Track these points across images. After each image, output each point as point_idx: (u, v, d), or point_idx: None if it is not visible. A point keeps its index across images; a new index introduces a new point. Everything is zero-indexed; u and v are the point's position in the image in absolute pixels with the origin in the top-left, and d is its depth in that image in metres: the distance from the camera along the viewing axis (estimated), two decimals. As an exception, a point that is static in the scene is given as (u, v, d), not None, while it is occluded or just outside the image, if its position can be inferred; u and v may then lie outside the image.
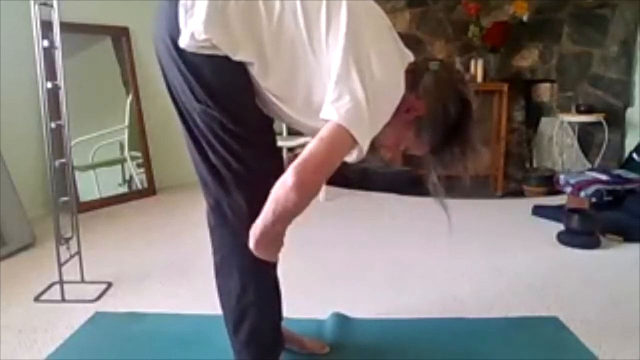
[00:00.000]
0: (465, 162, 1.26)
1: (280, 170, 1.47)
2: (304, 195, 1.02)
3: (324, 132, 1.05)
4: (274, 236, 1.11)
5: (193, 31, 1.11)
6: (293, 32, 1.12)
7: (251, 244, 1.10)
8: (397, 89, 1.15)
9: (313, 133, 1.09)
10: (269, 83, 1.17)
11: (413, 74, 1.19)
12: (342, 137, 1.04)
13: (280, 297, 1.59)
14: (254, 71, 1.16)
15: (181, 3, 1.13)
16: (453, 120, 1.22)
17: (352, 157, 1.12)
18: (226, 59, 1.14)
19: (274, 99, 1.20)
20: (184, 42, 1.13)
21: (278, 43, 1.13)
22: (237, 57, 1.14)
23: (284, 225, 1.10)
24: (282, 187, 1.02)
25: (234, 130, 1.18)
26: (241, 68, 1.17)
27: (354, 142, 1.05)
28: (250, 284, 1.31)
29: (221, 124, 1.18)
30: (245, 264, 1.28)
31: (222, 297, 1.36)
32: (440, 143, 1.24)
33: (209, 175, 1.25)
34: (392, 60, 1.16)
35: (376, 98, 1.06)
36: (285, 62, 1.15)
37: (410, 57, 1.25)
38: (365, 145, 1.07)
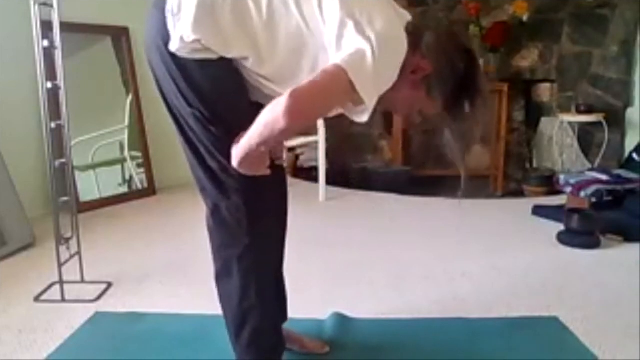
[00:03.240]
0: (476, 114, 1.24)
1: (279, 170, 1.46)
2: (292, 123, 1.02)
3: (320, 72, 1.05)
4: (257, 157, 1.11)
5: (182, 34, 1.12)
6: (285, 17, 1.12)
7: (234, 163, 1.11)
8: (400, 43, 1.13)
9: None
10: (267, 71, 1.17)
11: (414, 35, 1.17)
12: (340, 78, 1.03)
13: (286, 299, 1.59)
14: (249, 65, 1.16)
15: (167, 9, 1.14)
16: (461, 72, 1.19)
17: (361, 117, 1.11)
18: (217, 62, 1.14)
19: (266, 83, 1.19)
20: (174, 46, 1.13)
21: (272, 32, 1.13)
22: (230, 55, 1.14)
23: (268, 148, 1.11)
24: (273, 112, 1.02)
25: (229, 136, 1.17)
26: (232, 69, 1.17)
27: (353, 90, 1.03)
28: (251, 286, 1.30)
29: (215, 128, 1.18)
30: (246, 266, 1.28)
31: (223, 301, 1.36)
32: (452, 97, 1.21)
33: (207, 179, 1.24)
34: (391, 16, 1.14)
35: (380, 50, 1.05)
36: (283, 49, 1.14)
37: (407, 16, 1.24)
38: (369, 101, 1.05)
